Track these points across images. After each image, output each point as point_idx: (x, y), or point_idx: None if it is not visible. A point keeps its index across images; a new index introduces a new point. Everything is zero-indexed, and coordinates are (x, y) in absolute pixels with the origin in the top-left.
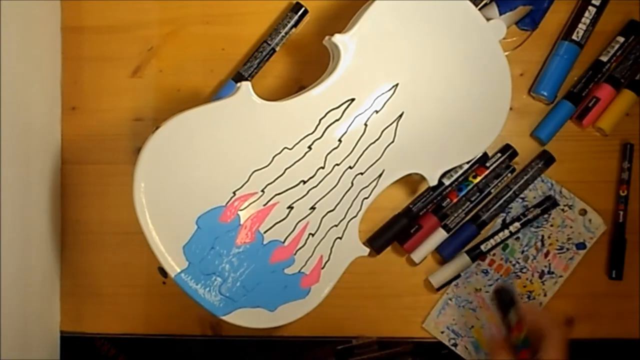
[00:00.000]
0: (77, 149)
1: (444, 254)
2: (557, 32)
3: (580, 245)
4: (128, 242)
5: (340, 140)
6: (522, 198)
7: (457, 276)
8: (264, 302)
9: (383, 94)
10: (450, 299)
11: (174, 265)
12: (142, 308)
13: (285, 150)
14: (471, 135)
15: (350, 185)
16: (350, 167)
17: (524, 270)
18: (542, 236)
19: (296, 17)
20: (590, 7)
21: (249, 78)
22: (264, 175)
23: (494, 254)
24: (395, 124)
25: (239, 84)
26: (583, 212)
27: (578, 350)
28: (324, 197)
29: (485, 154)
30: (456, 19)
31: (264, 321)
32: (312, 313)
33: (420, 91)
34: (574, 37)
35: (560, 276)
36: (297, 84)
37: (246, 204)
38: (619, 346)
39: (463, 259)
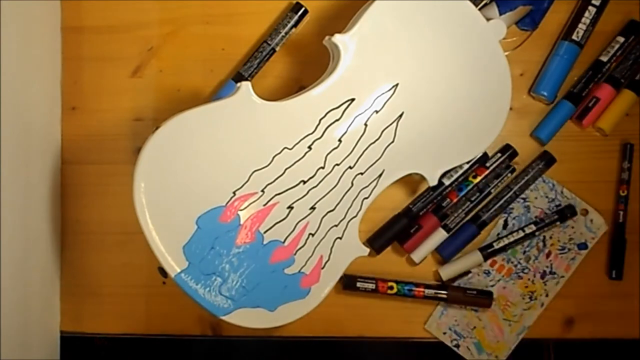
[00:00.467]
0: (77, 149)
1: (444, 254)
2: (557, 32)
3: (582, 246)
4: (128, 242)
5: (340, 140)
6: (524, 199)
7: (467, 273)
8: (264, 302)
9: (383, 94)
10: None
11: (174, 265)
12: (142, 308)
13: (285, 150)
14: (471, 135)
15: (350, 185)
16: (350, 167)
17: (526, 270)
18: (544, 237)
19: (296, 17)
20: (590, 7)
21: (249, 78)
22: (264, 175)
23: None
24: (395, 124)
25: (239, 84)
26: (585, 212)
27: (578, 350)
28: (324, 197)
29: (485, 154)
30: (456, 19)
31: (264, 321)
32: (312, 313)
33: (421, 91)
34: (574, 37)
35: (562, 276)
36: (297, 84)
37: (246, 204)
38: (619, 346)
39: (475, 256)
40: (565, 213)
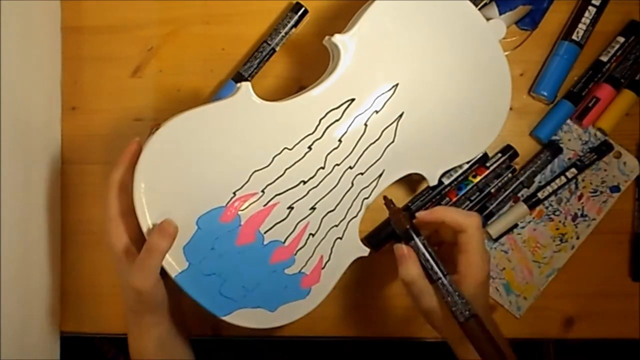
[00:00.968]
0: (77, 149)
1: None
2: (557, 32)
3: (615, 189)
4: None
5: (340, 141)
6: (557, 139)
7: (515, 226)
8: (264, 302)
9: (383, 94)
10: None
11: (174, 265)
12: None
13: (286, 150)
14: (471, 135)
15: (350, 185)
16: (350, 167)
17: (557, 213)
18: (576, 179)
19: (296, 17)
20: (590, 7)
21: (249, 78)
22: (264, 176)
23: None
24: (395, 124)
25: (239, 84)
26: (618, 155)
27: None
28: (324, 197)
29: (485, 154)
30: (456, 19)
31: (264, 321)
32: (312, 313)
33: (421, 91)
34: (574, 37)
35: (594, 219)
36: (297, 84)
37: (246, 204)
38: (619, 346)
39: (520, 208)
40: (603, 149)
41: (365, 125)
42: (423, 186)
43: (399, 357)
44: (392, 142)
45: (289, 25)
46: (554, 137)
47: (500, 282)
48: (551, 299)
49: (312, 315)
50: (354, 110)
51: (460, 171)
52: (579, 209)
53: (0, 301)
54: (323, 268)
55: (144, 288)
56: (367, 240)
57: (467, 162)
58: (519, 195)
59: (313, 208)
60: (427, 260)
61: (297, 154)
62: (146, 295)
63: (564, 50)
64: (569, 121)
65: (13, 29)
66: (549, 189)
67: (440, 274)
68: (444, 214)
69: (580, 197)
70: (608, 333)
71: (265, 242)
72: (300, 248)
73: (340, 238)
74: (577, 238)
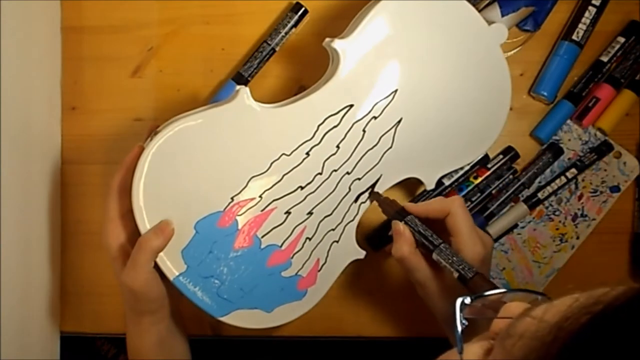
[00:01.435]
0: (77, 149)
1: None
2: (557, 32)
3: (615, 189)
4: None
5: (338, 147)
6: (557, 140)
7: (515, 226)
8: (261, 303)
9: (382, 99)
10: None
11: (172, 268)
12: None
13: (283, 156)
14: (469, 140)
15: (347, 190)
16: (348, 173)
17: (557, 213)
18: (576, 179)
19: (296, 17)
20: (590, 7)
21: (249, 78)
22: (262, 181)
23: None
24: (393, 129)
25: (237, 88)
26: (618, 155)
27: None
28: (321, 202)
29: (486, 156)
30: (457, 23)
31: (261, 322)
32: (311, 313)
33: (419, 97)
34: (574, 37)
35: (594, 219)
36: (297, 84)
37: (244, 209)
38: None
39: (520, 208)
40: (603, 149)
41: (364, 131)
42: (422, 187)
43: (399, 357)
44: (390, 147)
45: (289, 25)
46: (554, 137)
47: (500, 282)
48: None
49: (311, 315)
50: (353, 116)
51: (461, 172)
52: (579, 209)
53: (0, 301)
54: (319, 270)
55: (135, 285)
56: (367, 240)
57: (468, 163)
58: (519, 195)
59: (310, 213)
60: (426, 230)
61: (294, 160)
62: (140, 293)
63: (564, 50)
64: (569, 121)
65: (13, 29)
66: (549, 189)
67: (439, 240)
68: (425, 208)
69: (580, 197)
70: None
71: (262, 246)
72: (297, 251)
73: (337, 241)
74: (577, 238)
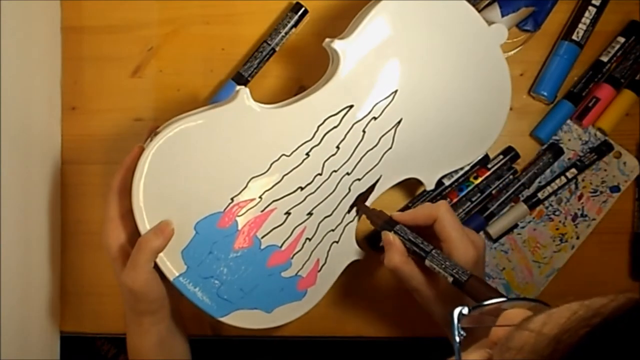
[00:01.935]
0: (77, 149)
1: None
2: (557, 32)
3: (615, 188)
4: None
5: (338, 147)
6: (557, 140)
7: (515, 226)
8: (261, 304)
9: (382, 100)
10: None
11: (172, 269)
12: None
13: (283, 157)
14: (469, 141)
15: (347, 191)
16: (347, 174)
17: (557, 213)
18: (576, 179)
19: (296, 17)
20: (590, 7)
21: (249, 78)
22: (262, 182)
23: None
24: (393, 130)
25: (237, 89)
26: (618, 155)
27: None
28: (321, 202)
29: (487, 156)
30: (457, 23)
31: (260, 322)
32: (311, 313)
33: (419, 97)
34: (574, 37)
35: (594, 219)
36: (297, 84)
37: (244, 210)
38: None
39: (520, 208)
40: (603, 149)
41: (364, 131)
42: (422, 187)
43: (399, 357)
44: (390, 148)
45: (289, 25)
46: (554, 137)
47: (500, 282)
48: (551, 299)
49: (311, 315)
50: (353, 116)
51: (461, 172)
52: (579, 209)
53: (0, 301)
54: (319, 271)
55: (135, 286)
56: (367, 241)
57: (468, 164)
58: (519, 195)
59: (310, 213)
60: (416, 238)
61: (294, 161)
62: (140, 294)
63: (564, 50)
64: (569, 121)
65: (13, 29)
66: (549, 189)
67: (430, 246)
68: (412, 215)
69: (580, 197)
70: None
71: (262, 247)
72: (297, 252)
73: (337, 242)
74: (577, 238)
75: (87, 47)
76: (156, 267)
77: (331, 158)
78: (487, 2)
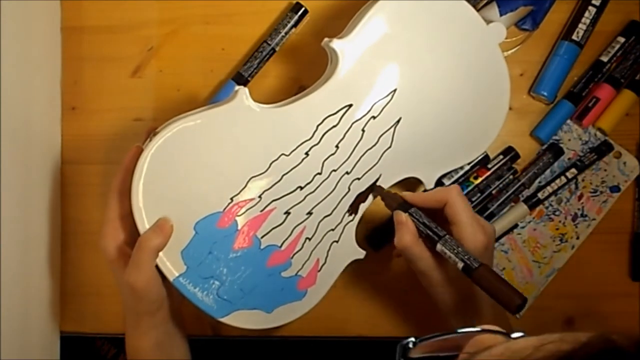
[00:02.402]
0: (77, 149)
1: None
2: (557, 32)
3: (614, 188)
4: None
5: (337, 147)
6: (557, 140)
7: (515, 226)
8: (261, 304)
9: (381, 99)
10: None
11: (172, 269)
12: None
13: (282, 156)
14: (468, 140)
15: (347, 190)
16: (347, 173)
17: (557, 213)
18: (576, 179)
19: (296, 17)
20: (590, 7)
21: (249, 78)
22: (261, 182)
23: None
24: (392, 129)
25: (236, 89)
26: (618, 155)
27: None
28: (320, 202)
29: (487, 156)
30: (455, 22)
31: (261, 322)
32: (312, 313)
33: (418, 96)
34: (574, 37)
35: (594, 219)
36: (296, 84)
37: (243, 209)
38: None
39: (520, 208)
40: (603, 149)
41: (363, 130)
42: (422, 186)
43: None
44: (389, 147)
45: (289, 25)
46: (554, 137)
47: None
48: (551, 299)
49: (311, 315)
50: (352, 116)
51: (461, 172)
52: (579, 209)
53: (0, 301)
54: (319, 271)
55: (137, 284)
56: (367, 240)
57: (468, 164)
58: (519, 195)
59: (310, 213)
60: (430, 221)
61: (294, 160)
62: (141, 293)
63: (564, 50)
64: (569, 121)
65: (13, 29)
66: (549, 189)
67: (444, 231)
68: (424, 197)
69: (580, 197)
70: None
71: (262, 247)
72: (297, 252)
73: (337, 241)
74: (577, 238)
75: (87, 47)
76: (156, 268)
77: (330, 157)
78: (485, 1)
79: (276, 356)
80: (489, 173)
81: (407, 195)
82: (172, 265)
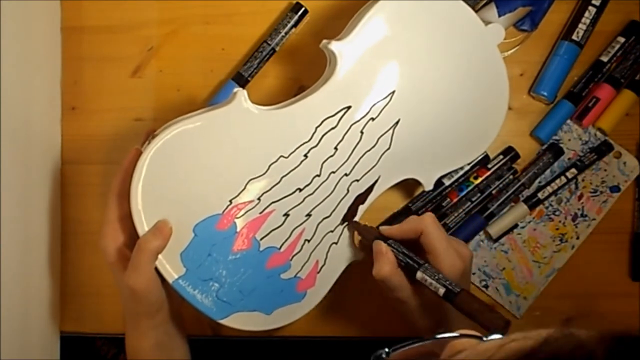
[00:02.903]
0: (77, 149)
1: None
2: (557, 32)
3: (615, 188)
4: None
5: (336, 148)
6: (557, 140)
7: (515, 226)
8: (261, 305)
9: (379, 101)
10: (482, 241)
11: (171, 271)
12: None
13: (281, 158)
14: (467, 141)
15: (346, 192)
16: (346, 175)
17: (557, 213)
18: (576, 179)
19: (296, 17)
20: (590, 7)
21: (249, 78)
22: (260, 184)
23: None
24: (391, 131)
25: (234, 91)
26: (618, 155)
27: None
28: (319, 204)
29: (487, 156)
30: (454, 23)
31: (260, 324)
32: (311, 313)
33: (417, 98)
34: (574, 37)
35: (594, 219)
36: (296, 84)
37: (242, 212)
38: None
39: (520, 208)
40: (603, 149)
41: (362, 132)
42: (421, 188)
43: None
44: (388, 149)
45: (289, 25)
46: (554, 137)
47: (500, 282)
48: (551, 299)
49: (312, 316)
50: (350, 117)
51: (461, 172)
52: (579, 209)
53: (0, 301)
54: (318, 272)
55: (137, 286)
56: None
57: (468, 164)
58: (519, 195)
59: (309, 215)
60: (409, 250)
61: (293, 162)
62: (141, 295)
63: (564, 50)
64: (569, 121)
65: (13, 29)
66: (549, 189)
67: (422, 260)
68: (399, 229)
69: (580, 197)
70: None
71: (261, 249)
72: (296, 253)
73: (336, 243)
74: (577, 238)
75: (87, 47)
76: (155, 270)
77: (329, 159)
78: (484, 2)
79: (276, 356)
80: (489, 173)
81: (383, 228)
82: (171, 268)
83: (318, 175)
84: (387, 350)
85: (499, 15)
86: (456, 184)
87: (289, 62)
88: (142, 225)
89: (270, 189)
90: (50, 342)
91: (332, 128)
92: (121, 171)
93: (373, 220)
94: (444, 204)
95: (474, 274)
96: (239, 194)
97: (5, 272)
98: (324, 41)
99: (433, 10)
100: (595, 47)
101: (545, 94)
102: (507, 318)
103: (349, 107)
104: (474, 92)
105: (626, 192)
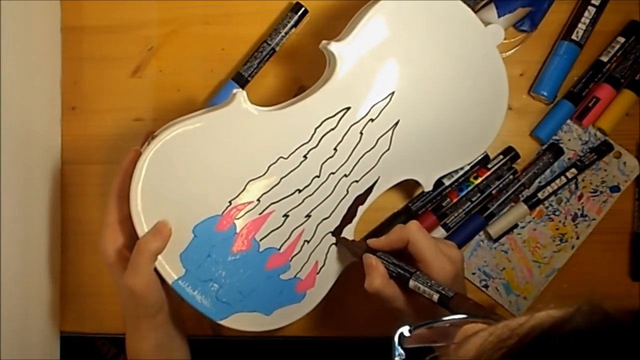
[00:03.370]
0: (77, 149)
1: None
2: (557, 32)
3: (614, 188)
4: None
5: (335, 149)
6: (557, 140)
7: (515, 226)
8: (260, 306)
9: (379, 102)
10: (482, 241)
11: (171, 272)
12: None
13: (281, 159)
14: (466, 142)
15: (345, 192)
16: (345, 176)
17: (557, 213)
18: (576, 179)
19: (296, 17)
20: (590, 7)
21: (248, 78)
22: (260, 185)
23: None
24: (391, 132)
25: (234, 92)
26: (618, 155)
27: None
28: (319, 205)
29: (487, 156)
30: (453, 24)
31: (260, 325)
32: (311, 313)
33: (417, 99)
34: (573, 37)
35: (594, 219)
36: (296, 84)
37: (242, 213)
38: None
39: (520, 208)
40: (603, 149)
41: (361, 133)
42: (421, 188)
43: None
44: (388, 149)
45: (289, 25)
46: (554, 137)
47: (500, 282)
48: (551, 299)
49: (312, 316)
50: (350, 119)
51: (461, 172)
52: (579, 209)
53: (0, 301)
54: (318, 273)
55: (136, 288)
56: (366, 241)
57: (468, 164)
58: (519, 195)
59: (308, 216)
60: (399, 261)
61: (292, 163)
62: (140, 296)
63: (564, 50)
64: (569, 121)
65: (13, 29)
66: (549, 189)
67: (413, 269)
68: (386, 240)
69: (580, 197)
70: None
71: (260, 249)
72: (296, 254)
73: (335, 244)
74: (577, 238)
75: (87, 47)
76: (155, 271)
77: (329, 160)
78: (483, 3)
79: (276, 356)
80: (489, 173)
81: (370, 241)
82: (171, 269)
83: (317, 176)
84: (409, 327)
85: (499, 16)
86: (456, 184)
87: (289, 62)
88: (142, 227)
89: (270, 189)
90: (50, 342)
91: (332, 129)
92: (120, 172)
93: (373, 221)
94: (444, 204)
95: (474, 274)
96: (238, 194)
97: (5, 272)
98: (324, 42)
99: (433, 11)
100: (595, 47)
101: (545, 94)
102: (503, 317)
103: (348, 108)
104: (474, 93)
105: (626, 192)
